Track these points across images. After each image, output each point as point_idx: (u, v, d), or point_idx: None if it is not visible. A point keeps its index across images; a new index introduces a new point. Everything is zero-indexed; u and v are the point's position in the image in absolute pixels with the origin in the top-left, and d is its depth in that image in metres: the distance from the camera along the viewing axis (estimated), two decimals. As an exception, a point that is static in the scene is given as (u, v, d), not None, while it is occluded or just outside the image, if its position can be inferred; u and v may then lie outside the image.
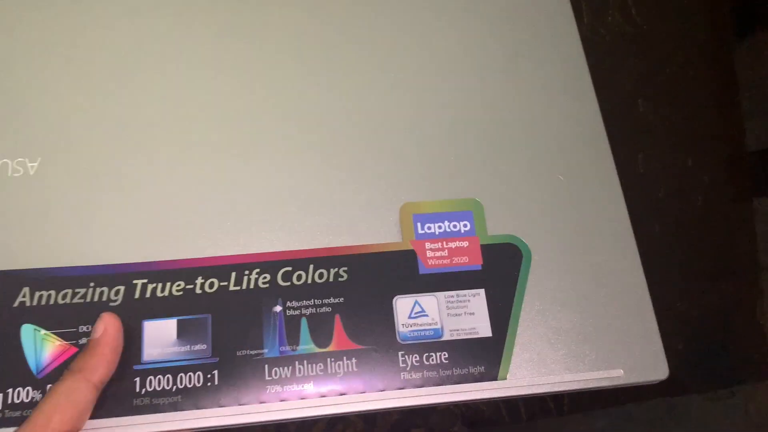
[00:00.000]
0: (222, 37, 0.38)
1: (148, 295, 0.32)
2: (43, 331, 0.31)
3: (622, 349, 0.33)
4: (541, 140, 0.37)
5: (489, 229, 0.35)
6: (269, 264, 0.33)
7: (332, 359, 0.31)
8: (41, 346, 0.30)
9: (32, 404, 0.30)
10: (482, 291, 0.33)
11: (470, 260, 0.34)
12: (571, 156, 0.36)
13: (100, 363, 0.29)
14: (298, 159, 0.35)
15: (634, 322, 0.33)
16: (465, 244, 0.34)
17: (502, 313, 0.33)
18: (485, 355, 0.32)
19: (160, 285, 0.32)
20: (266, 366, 0.31)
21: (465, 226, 0.35)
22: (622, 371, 0.32)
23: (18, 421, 0.29)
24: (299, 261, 0.33)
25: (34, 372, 0.30)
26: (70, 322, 0.31)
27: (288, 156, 0.35)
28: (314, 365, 0.31)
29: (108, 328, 0.30)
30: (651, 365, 0.33)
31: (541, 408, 0.40)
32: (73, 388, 0.28)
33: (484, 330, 0.33)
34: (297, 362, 0.31)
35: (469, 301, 0.33)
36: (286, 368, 0.31)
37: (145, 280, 0.32)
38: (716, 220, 0.45)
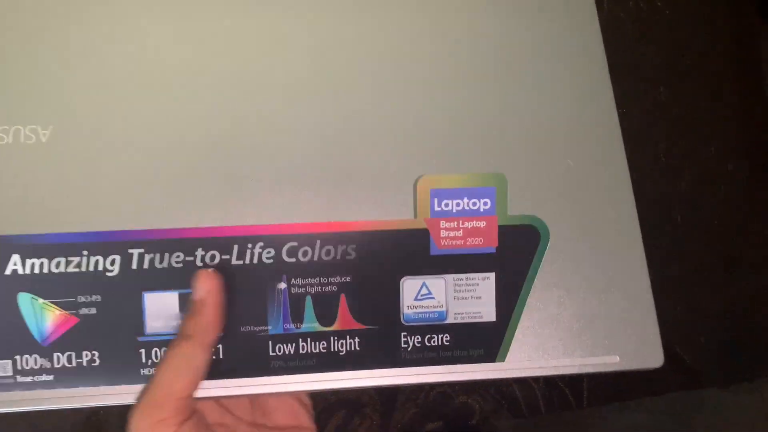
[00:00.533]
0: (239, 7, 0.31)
1: (146, 266, 0.30)
2: (41, 300, 0.30)
3: (620, 335, 0.33)
4: (557, 124, 0.33)
5: (510, 208, 0.32)
6: (274, 238, 0.31)
7: (335, 338, 0.32)
8: (42, 316, 0.30)
9: (42, 370, 0.30)
10: (492, 275, 0.32)
11: (485, 242, 0.32)
12: (583, 142, 0.33)
13: (211, 325, 0.29)
14: (307, 128, 0.31)
15: (633, 309, 0.33)
16: (482, 224, 0.32)
17: (509, 297, 0.32)
18: (486, 338, 0.32)
19: (158, 255, 0.30)
20: (270, 342, 0.31)
21: (485, 204, 0.32)
22: (618, 357, 0.33)
23: (30, 386, 0.30)
24: (306, 236, 0.31)
25: (39, 340, 0.30)
26: (68, 292, 0.30)
27: (297, 124, 0.31)
28: (317, 343, 0.32)
29: (211, 288, 0.29)
30: (647, 353, 0.34)
31: (561, 401, 0.41)
32: (190, 354, 0.28)
33: (489, 314, 0.32)
34: (300, 339, 0.32)
35: (477, 284, 0.32)
36: (289, 345, 0.32)
37: (142, 250, 0.30)
38: (739, 210, 0.43)
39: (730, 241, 0.42)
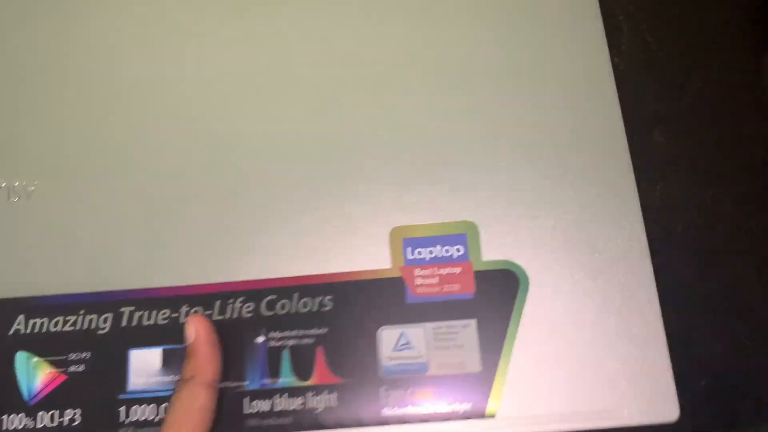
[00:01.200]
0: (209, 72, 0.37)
1: (134, 323, 0.32)
2: (35, 358, 0.32)
3: (628, 385, 0.30)
4: (528, 172, 0.34)
5: (484, 253, 0.33)
6: (253, 292, 0.32)
7: (312, 393, 0.31)
8: (33, 373, 0.32)
9: (24, 431, 0.31)
10: (473, 321, 0.31)
11: (462, 288, 0.32)
12: (580, 170, 0.34)
13: (207, 363, 0.30)
14: (284, 183, 0.34)
15: (643, 355, 0.31)
16: (457, 270, 0.32)
17: (493, 344, 0.31)
18: (473, 390, 0.30)
19: (146, 313, 0.32)
20: (246, 399, 0.31)
21: (458, 250, 0.33)
22: (626, 410, 0.30)
23: (12, 447, 0.31)
24: (284, 289, 0.32)
25: (26, 399, 0.31)
26: (61, 350, 0.32)
27: (273, 181, 0.34)
28: (294, 399, 0.31)
29: (198, 329, 0.30)
30: (660, 405, 0.30)
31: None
32: (192, 395, 0.29)
33: (473, 364, 0.31)
34: (277, 396, 0.31)
35: (458, 332, 0.31)
36: (265, 402, 0.31)
37: (132, 308, 0.32)
38: (739, 255, 0.41)
39: (732, 284, 0.38)
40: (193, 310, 0.32)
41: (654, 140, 0.42)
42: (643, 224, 0.33)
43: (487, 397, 0.30)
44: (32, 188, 0.35)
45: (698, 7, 0.47)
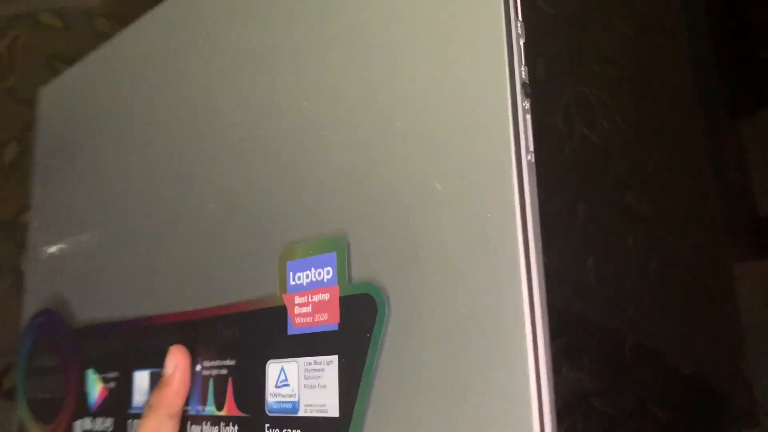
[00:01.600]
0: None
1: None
2: None
3: (493, 412, 0.22)
4: (399, 174, 0.26)
5: (353, 273, 0.27)
6: (195, 322, 0.34)
7: (223, 424, 0.31)
8: None
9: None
10: (335, 358, 0.27)
11: (329, 318, 0.27)
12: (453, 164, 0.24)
13: (178, 397, 0.34)
14: (171, 219, 0.34)
15: (508, 379, 0.22)
16: (326, 296, 0.28)
17: (351, 385, 0.26)
18: (332, 440, 0.26)
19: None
20: (188, 423, 0.33)
21: (328, 273, 0.28)
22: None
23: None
24: (206, 320, 0.33)
25: None
26: None
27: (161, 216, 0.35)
28: (213, 427, 0.32)
29: (179, 363, 0.34)
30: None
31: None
32: (160, 425, 0.33)
33: (333, 408, 0.26)
34: (204, 422, 0.32)
35: (323, 370, 0.27)
36: (197, 427, 0.33)
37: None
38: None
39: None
40: None
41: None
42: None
43: (344, 448, 0.26)
44: None
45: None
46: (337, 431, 0.26)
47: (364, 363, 0.26)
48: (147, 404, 0.33)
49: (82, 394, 0.40)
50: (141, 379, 0.36)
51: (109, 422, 0.38)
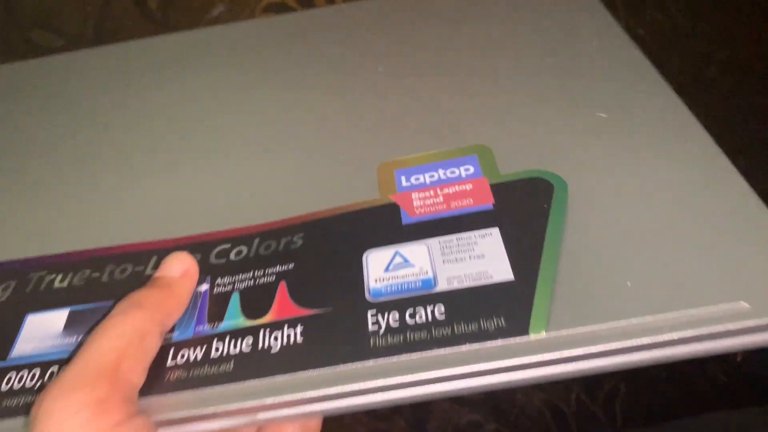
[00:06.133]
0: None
1: (42, 287, 0.25)
2: None
3: (733, 274, 0.20)
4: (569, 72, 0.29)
5: (502, 168, 0.26)
6: (204, 244, 0.25)
7: (267, 331, 0.21)
8: None
9: None
10: (495, 230, 0.23)
11: (476, 201, 0.24)
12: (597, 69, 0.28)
13: (178, 308, 0.22)
14: (253, 133, 0.30)
15: (743, 237, 0.21)
16: (467, 186, 0.25)
17: (528, 252, 0.22)
18: (506, 303, 0.21)
19: (59, 276, 0.25)
20: (172, 350, 0.22)
21: (467, 170, 0.26)
22: (745, 303, 0.19)
23: None
24: (242, 237, 0.25)
25: None
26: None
27: (238, 129, 0.30)
28: (239, 341, 0.21)
29: (189, 270, 0.23)
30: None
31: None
32: (146, 330, 0.20)
33: (502, 273, 0.21)
34: (215, 340, 0.21)
35: (476, 243, 0.23)
36: (197, 349, 0.21)
37: (43, 272, 0.25)
38: None
39: None
40: (119, 269, 0.25)
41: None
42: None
43: (529, 309, 0.20)
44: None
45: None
46: (516, 292, 0.21)
47: (544, 231, 0.23)
48: (129, 300, 0.21)
49: None
50: (42, 321, 0.23)
51: None
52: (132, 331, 0.20)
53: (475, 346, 0.20)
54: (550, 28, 0.32)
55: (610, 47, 0.30)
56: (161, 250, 0.25)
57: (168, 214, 0.27)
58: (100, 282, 0.24)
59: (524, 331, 0.20)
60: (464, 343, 0.20)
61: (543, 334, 0.20)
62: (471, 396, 0.39)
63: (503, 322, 0.20)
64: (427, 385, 0.19)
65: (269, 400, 0.20)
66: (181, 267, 0.23)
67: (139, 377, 0.19)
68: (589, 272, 0.21)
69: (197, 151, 0.29)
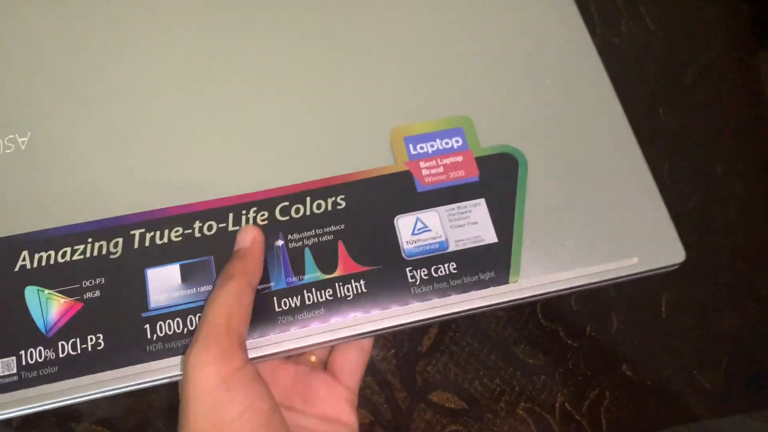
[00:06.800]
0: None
1: (147, 244, 0.32)
2: (47, 291, 0.31)
3: (634, 236, 0.33)
4: (524, 51, 0.38)
5: (482, 142, 0.36)
6: (266, 201, 0.34)
7: (340, 283, 0.32)
8: (47, 306, 0.31)
9: (46, 363, 0.30)
10: (482, 200, 0.34)
11: (466, 173, 0.35)
12: (555, 62, 0.38)
13: (257, 268, 0.31)
14: (282, 95, 0.36)
15: (642, 208, 0.34)
16: (459, 158, 0.35)
17: (505, 218, 0.33)
18: (493, 260, 0.33)
19: (158, 233, 0.33)
20: (275, 298, 0.32)
21: (457, 141, 0.35)
22: (636, 259, 0.33)
23: (35, 382, 0.30)
24: (295, 195, 0.34)
25: (43, 331, 0.31)
26: (73, 279, 0.31)
27: (272, 93, 0.36)
28: (323, 291, 0.32)
29: (257, 237, 0.31)
30: (666, 249, 0.33)
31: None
32: (241, 291, 0.29)
33: (490, 236, 0.33)
34: (305, 291, 0.32)
35: (470, 211, 0.34)
36: (295, 298, 0.32)
37: (143, 230, 0.33)
38: (751, 231, 0.44)
39: (748, 263, 0.43)
40: (206, 225, 0.33)
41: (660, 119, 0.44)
42: (618, 104, 0.37)
43: (508, 264, 0.33)
44: (24, 139, 0.35)
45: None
46: (499, 251, 0.33)
47: (514, 200, 0.34)
48: (225, 273, 0.30)
49: (11, 323, 0.31)
50: (160, 275, 0.32)
51: (94, 339, 0.31)
52: (232, 297, 0.29)
53: (479, 292, 0.32)
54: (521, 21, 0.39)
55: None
56: (234, 206, 0.33)
57: (222, 172, 0.34)
58: (194, 237, 0.33)
59: (506, 280, 0.32)
60: (471, 290, 0.32)
61: (517, 281, 0.32)
62: (455, 407, 0.43)
63: (493, 274, 0.32)
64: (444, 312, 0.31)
65: (346, 332, 0.31)
66: (250, 237, 0.31)
67: (245, 327, 0.29)
68: (542, 233, 0.33)
69: (237, 114, 0.35)
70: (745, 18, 0.50)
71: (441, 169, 0.34)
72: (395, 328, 0.32)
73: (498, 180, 0.34)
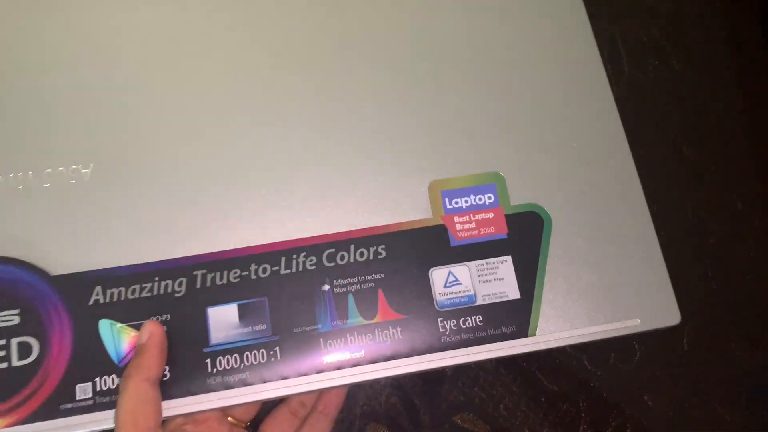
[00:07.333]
0: (255, 37, 0.41)
1: (208, 284, 0.36)
2: (118, 324, 0.35)
3: (638, 299, 0.37)
4: (554, 114, 0.41)
5: (512, 199, 0.39)
6: (313, 247, 0.37)
7: (379, 329, 0.36)
8: (119, 338, 0.35)
9: (117, 390, 0.34)
10: (509, 257, 0.38)
11: (496, 230, 0.38)
12: (582, 127, 0.41)
13: (153, 362, 0.33)
14: (329, 150, 0.39)
15: (647, 273, 0.38)
16: (490, 215, 0.38)
17: (528, 276, 0.37)
18: (515, 315, 0.37)
19: (218, 274, 0.36)
20: (321, 339, 0.36)
21: (489, 198, 0.39)
22: (638, 320, 0.37)
23: (107, 406, 0.34)
24: (341, 242, 0.37)
25: (116, 361, 0.35)
26: (142, 314, 0.35)
27: (321, 148, 0.39)
28: (363, 336, 0.36)
29: (153, 331, 0.34)
30: (665, 312, 0.37)
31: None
32: (138, 389, 0.32)
33: (513, 293, 0.37)
34: (348, 334, 0.36)
35: (497, 267, 0.38)
36: (339, 340, 0.36)
37: (204, 271, 0.36)
38: None
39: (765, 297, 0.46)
40: (261, 268, 0.37)
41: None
42: (635, 173, 0.40)
43: (528, 319, 0.37)
44: (87, 170, 0.38)
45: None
46: (521, 307, 0.37)
47: (537, 258, 0.38)
48: (124, 374, 0.32)
49: (88, 352, 0.35)
50: (219, 314, 0.36)
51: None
52: (133, 398, 0.31)
53: (500, 344, 0.36)
54: (546, 73, 0.41)
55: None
56: (285, 251, 0.37)
57: (275, 218, 0.37)
58: (250, 279, 0.36)
59: (525, 334, 0.36)
60: (493, 341, 0.36)
61: (534, 335, 0.37)
62: (478, 431, 0.46)
63: (514, 329, 0.36)
64: (468, 360, 0.36)
65: (382, 374, 0.36)
66: (147, 332, 0.33)
67: (154, 420, 0.31)
68: (558, 292, 0.37)
69: (284, 163, 0.38)
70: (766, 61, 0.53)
71: (473, 225, 0.38)
72: (424, 371, 0.36)
73: (524, 237, 0.38)
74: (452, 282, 0.37)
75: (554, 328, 0.36)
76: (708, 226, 0.48)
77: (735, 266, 0.48)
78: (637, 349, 0.48)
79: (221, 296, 0.36)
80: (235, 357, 0.35)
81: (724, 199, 0.50)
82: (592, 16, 0.42)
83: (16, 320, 0.35)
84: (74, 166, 0.37)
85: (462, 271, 0.37)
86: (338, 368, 0.35)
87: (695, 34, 0.51)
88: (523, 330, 0.36)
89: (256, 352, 0.35)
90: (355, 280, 0.36)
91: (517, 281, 0.37)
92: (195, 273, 0.36)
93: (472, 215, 0.38)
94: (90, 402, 0.34)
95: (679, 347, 0.47)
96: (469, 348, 0.36)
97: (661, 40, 0.50)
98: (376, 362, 0.35)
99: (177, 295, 0.35)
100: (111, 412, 0.34)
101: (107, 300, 0.35)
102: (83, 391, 0.34)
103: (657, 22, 0.51)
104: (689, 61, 0.51)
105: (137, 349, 0.34)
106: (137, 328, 0.35)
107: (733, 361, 0.47)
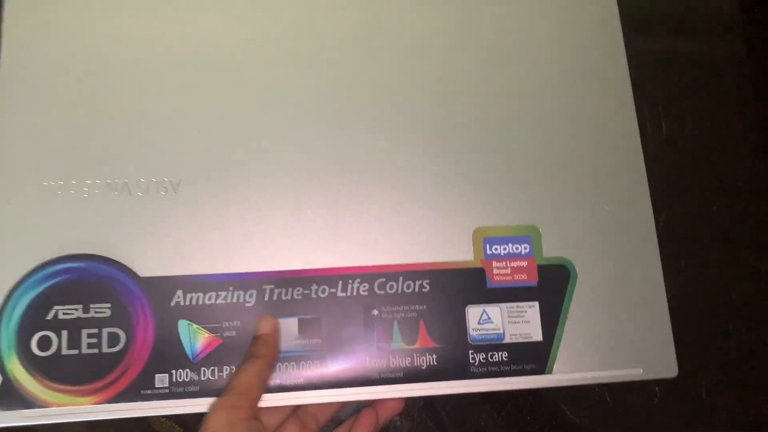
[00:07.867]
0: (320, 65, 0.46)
1: (275, 298, 0.42)
2: (195, 326, 0.41)
3: (644, 350, 0.43)
4: (590, 175, 0.46)
5: (545, 250, 0.44)
6: (367, 275, 0.42)
7: (417, 354, 0.42)
8: (194, 338, 0.41)
9: (191, 383, 0.40)
10: (536, 303, 0.43)
11: (528, 278, 0.44)
12: (614, 191, 0.46)
13: (275, 353, 0.40)
14: (388, 194, 0.44)
15: (652, 328, 0.43)
16: (524, 263, 0.44)
17: (551, 321, 0.43)
18: (537, 354, 0.42)
19: (284, 290, 0.42)
20: (367, 358, 0.42)
21: (525, 248, 0.44)
22: (641, 370, 0.43)
23: (182, 395, 0.40)
24: (391, 273, 0.43)
25: (190, 357, 0.40)
26: (216, 319, 0.41)
27: (384, 192, 0.44)
28: (404, 359, 0.42)
29: (275, 326, 0.40)
30: (664, 365, 0.43)
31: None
32: (264, 369, 0.38)
33: (537, 335, 0.43)
34: (390, 356, 0.42)
35: (526, 311, 0.43)
36: (382, 360, 0.42)
37: (273, 286, 0.42)
38: None
39: None
40: (321, 288, 0.42)
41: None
42: (655, 240, 0.45)
43: (547, 360, 0.42)
44: (178, 182, 0.43)
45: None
46: (542, 348, 0.42)
47: (561, 307, 0.43)
48: (254, 353, 0.39)
49: (167, 347, 0.40)
50: (282, 326, 0.41)
51: (229, 370, 0.40)
52: (256, 371, 0.37)
53: (521, 378, 0.42)
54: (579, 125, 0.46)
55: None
56: (343, 276, 0.42)
57: (337, 246, 0.43)
58: (311, 297, 0.42)
59: (543, 372, 0.42)
60: (515, 376, 0.42)
61: (551, 374, 0.42)
62: None
63: (534, 366, 0.42)
64: (492, 389, 0.42)
65: (416, 393, 0.41)
66: (270, 325, 0.40)
67: (259, 395, 0.37)
68: (574, 338, 0.43)
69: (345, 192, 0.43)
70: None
71: (508, 270, 0.43)
72: (455, 394, 0.42)
73: (552, 287, 0.43)
74: (485, 320, 0.42)
75: (568, 369, 0.42)
76: (732, 283, 0.53)
77: (757, 320, 0.52)
78: (656, 391, 0.53)
79: (285, 310, 0.41)
80: (293, 365, 0.40)
81: (751, 259, 0.53)
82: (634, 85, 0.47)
83: (108, 313, 0.40)
84: (166, 179, 0.42)
85: (495, 311, 0.42)
86: (379, 384, 0.41)
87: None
88: (541, 368, 0.42)
89: (310, 362, 0.40)
90: (401, 308, 0.42)
91: (542, 325, 0.42)
92: (264, 287, 0.41)
93: (508, 262, 0.43)
94: (167, 390, 0.39)
95: (698, 393, 0.51)
96: (493, 379, 0.41)
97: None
98: (412, 382, 0.41)
99: (247, 304, 0.41)
100: (184, 401, 0.39)
101: (187, 303, 0.40)
102: (161, 380, 0.39)
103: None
104: (716, 119, 0.55)
105: (263, 339, 0.40)
106: (211, 330, 0.40)
107: (751, 409, 0.51)
